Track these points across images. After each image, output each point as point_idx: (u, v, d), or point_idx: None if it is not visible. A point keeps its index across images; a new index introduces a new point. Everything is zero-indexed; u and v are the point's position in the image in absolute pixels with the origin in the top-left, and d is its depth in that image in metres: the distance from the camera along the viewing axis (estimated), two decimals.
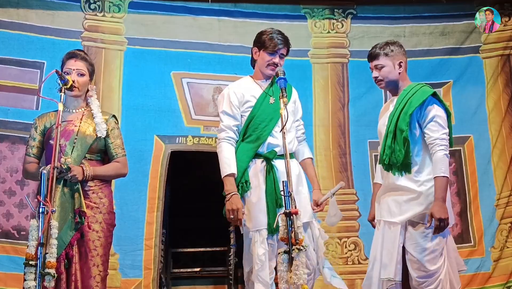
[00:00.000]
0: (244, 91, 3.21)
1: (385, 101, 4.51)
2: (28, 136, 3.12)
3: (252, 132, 3.14)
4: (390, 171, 2.94)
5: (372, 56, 3.05)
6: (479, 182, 4.42)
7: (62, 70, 3.02)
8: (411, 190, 2.89)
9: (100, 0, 4.29)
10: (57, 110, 2.87)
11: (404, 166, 2.88)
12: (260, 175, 3.10)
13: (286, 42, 3.25)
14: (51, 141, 2.97)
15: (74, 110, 3.08)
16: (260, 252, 3.00)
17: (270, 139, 3.13)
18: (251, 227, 3.07)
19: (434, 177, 2.84)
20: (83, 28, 4.25)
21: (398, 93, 3.02)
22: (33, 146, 3.07)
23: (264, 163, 3.12)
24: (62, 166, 2.84)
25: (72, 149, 2.97)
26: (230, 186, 3.05)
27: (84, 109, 3.09)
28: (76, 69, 3.03)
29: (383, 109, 3.21)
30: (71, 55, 3.08)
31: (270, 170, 3.09)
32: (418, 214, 2.88)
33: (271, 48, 3.19)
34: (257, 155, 3.14)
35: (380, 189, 3.10)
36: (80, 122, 3.03)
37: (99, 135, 3.04)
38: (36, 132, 3.07)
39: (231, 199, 3.02)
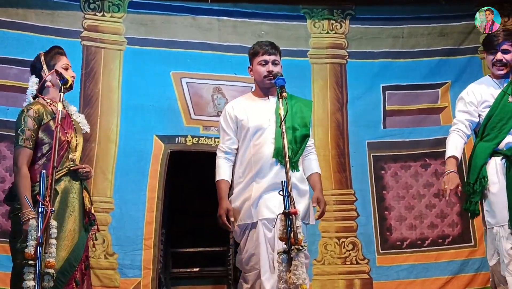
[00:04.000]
0: (482, 90, 3.28)
1: (383, 102, 4.53)
2: (22, 126, 2.89)
3: (490, 131, 3.21)
4: None
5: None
6: None
7: (48, 66, 3.00)
8: None
9: None
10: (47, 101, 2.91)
11: None
12: (499, 172, 3.16)
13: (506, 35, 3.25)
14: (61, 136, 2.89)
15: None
16: (508, 246, 3.04)
17: (509, 138, 3.18)
18: (495, 222, 3.12)
19: None
20: (83, 28, 4.24)
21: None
22: (30, 137, 2.88)
23: (504, 160, 3.17)
24: (84, 168, 2.92)
25: (75, 146, 2.99)
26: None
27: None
28: (70, 65, 3.05)
29: None
30: (61, 52, 3.07)
31: (510, 167, 3.14)
32: None
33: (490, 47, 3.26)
34: (496, 153, 3.19)
35: None
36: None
37: (86, 130, 3.07)
38: (35, 122, 2.90)
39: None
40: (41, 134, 2.92)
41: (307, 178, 3.30)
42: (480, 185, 3.17)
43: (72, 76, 3.00)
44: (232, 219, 3.15)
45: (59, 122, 2.73)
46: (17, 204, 2.81)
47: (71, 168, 2.91)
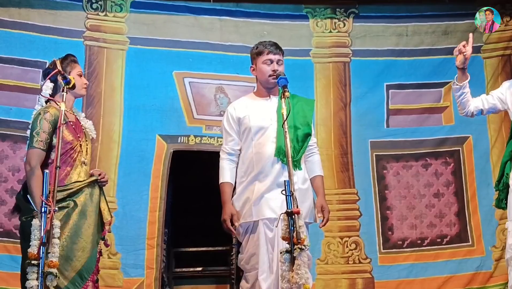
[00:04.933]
0: None
1: (387, 101, 4.52)
2: (37, 128, 2.90)
3: None
4: None
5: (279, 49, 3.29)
6: (477, 182, 4.43)
7: (65, 72, 3.02)
8: None
9: None
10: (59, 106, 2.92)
11: None
12: None
13: None
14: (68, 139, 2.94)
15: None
16: (510, 241, 3.09)
17: None
18: (509, 218, 3.15)
19: None
20: (85, 28, 4.25)
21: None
22: (44, 139, 2.89)
23: None
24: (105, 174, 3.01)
25: (86, 149, 3.02)
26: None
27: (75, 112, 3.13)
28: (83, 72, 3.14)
29: None
30: (76, 60, 3.13)
31: None
32: None
33: None
34: None
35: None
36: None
37: (93, 136, 3.14)
38: (51, 125, 2.91)
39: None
40: (54, 140, 2.93)
41: (310, 180, 3.29)
42: (502, 182, 3.22)
43: (85, 83, 3.09)
44: (236, 224, 3.15)
45: (61, 123, 2.75)
46: (32, 206, 2.82)
47: (98, 180, 2.99)
